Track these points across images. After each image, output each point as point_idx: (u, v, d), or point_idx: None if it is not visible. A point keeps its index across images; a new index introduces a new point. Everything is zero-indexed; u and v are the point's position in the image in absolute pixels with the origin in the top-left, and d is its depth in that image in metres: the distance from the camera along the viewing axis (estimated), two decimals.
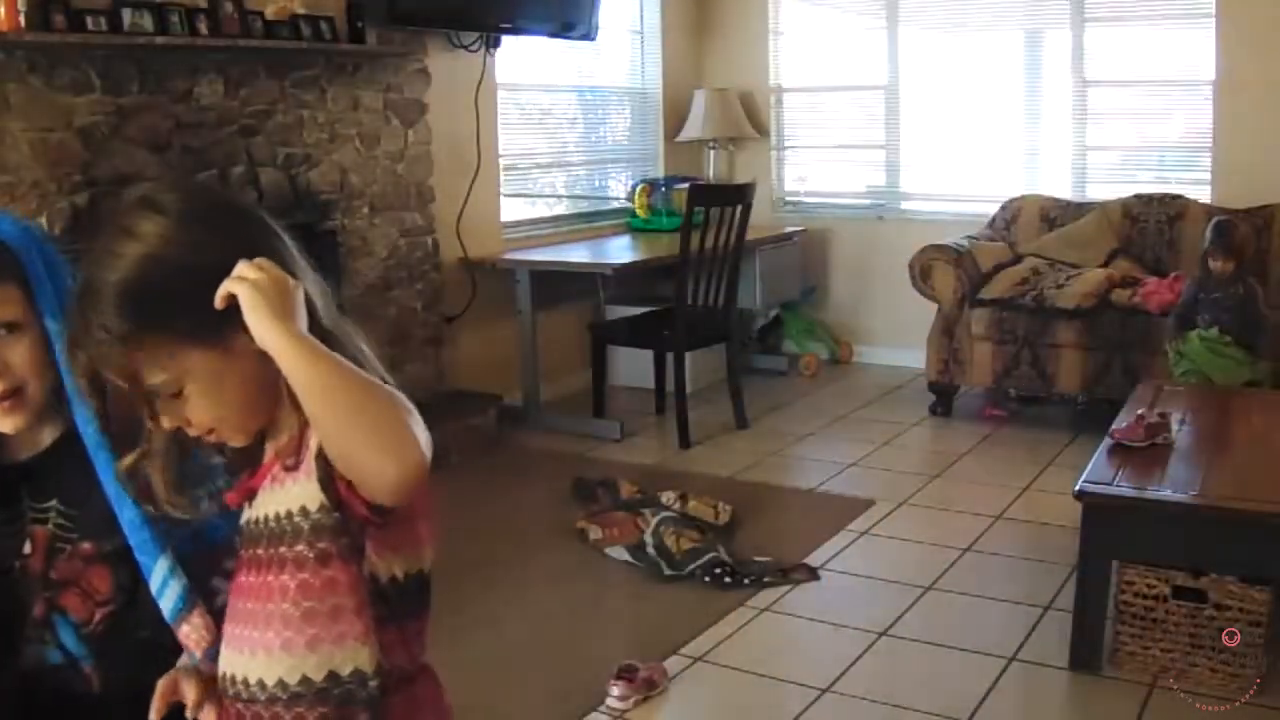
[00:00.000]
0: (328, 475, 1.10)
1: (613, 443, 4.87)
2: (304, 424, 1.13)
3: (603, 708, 2.68)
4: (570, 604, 3.31)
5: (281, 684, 1.16)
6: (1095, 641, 2.81)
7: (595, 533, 3.68)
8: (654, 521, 3.57)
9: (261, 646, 1.16)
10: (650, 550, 3.49)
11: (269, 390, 1.15)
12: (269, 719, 1.17)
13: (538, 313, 5.10)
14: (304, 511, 1.14)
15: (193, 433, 1.16)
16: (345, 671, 1.15)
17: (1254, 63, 5.16)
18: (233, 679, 1.20)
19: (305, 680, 1.15)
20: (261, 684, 1.17)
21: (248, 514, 1.21)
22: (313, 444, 1.12)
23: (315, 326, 1.12)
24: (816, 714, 2.66)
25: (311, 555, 1.14)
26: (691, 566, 3.40)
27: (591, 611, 3.30)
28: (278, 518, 1.16)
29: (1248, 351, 4.12)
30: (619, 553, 3.57)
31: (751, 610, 3.21)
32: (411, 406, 1.10)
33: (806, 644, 3.06)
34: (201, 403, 1.14)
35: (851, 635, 3.05)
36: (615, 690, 2.69)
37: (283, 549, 1.15)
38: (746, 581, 3.35)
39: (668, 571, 3.41)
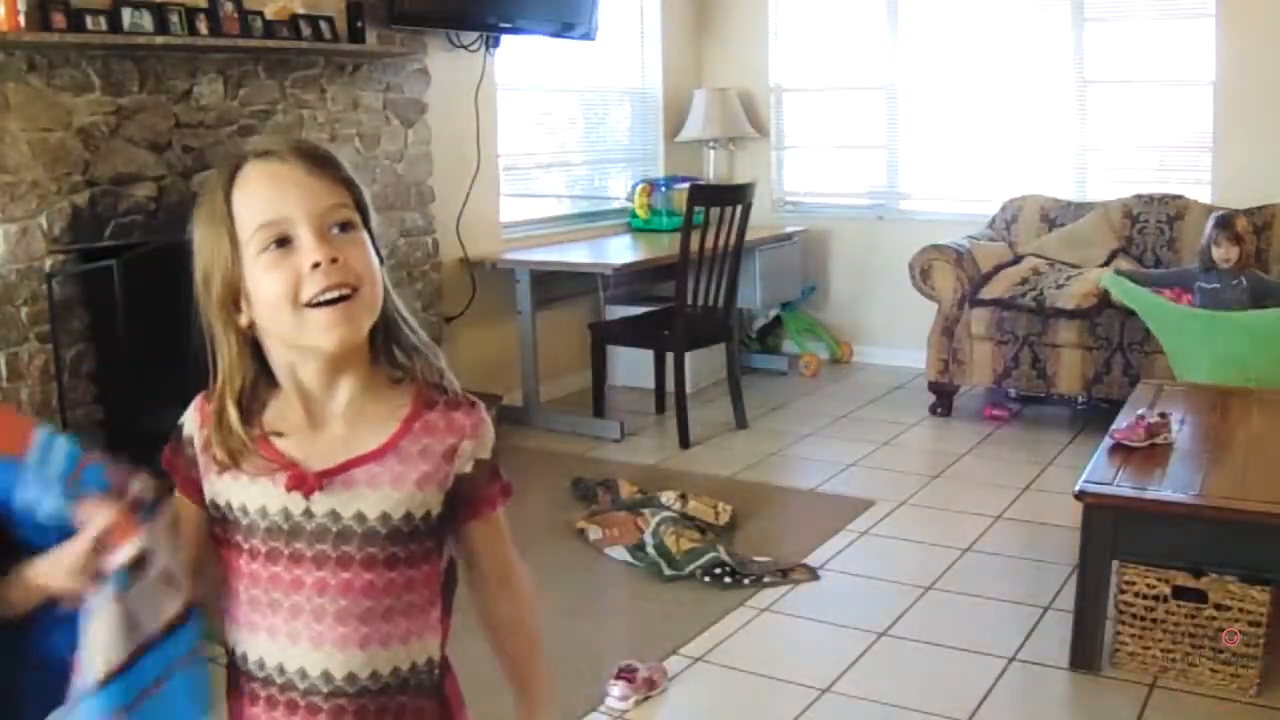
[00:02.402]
0: (460, 499, 1.20)
1: (613, 443, 4.87)
2: (402, 426, 1.18)
3: (603, 708, 2.68)
4: (570, 604, 3.31)
5: (351, 677, 1.16)
6: (1095, 641, 2.81)
7: (595, 533, 3.68)
8: (654, 521, 3.57)
9: (329, 641, 1.15)
10: (650, 550, 3.49)
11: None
12: (328, 710, 1.16)
13: (538, 313, 5.10)
14: (384, 518, 1.16)
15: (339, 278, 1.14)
16: (420, 662, 1.21)
17: (1254, 63, 5.16)
18: (281, 668, 1.16)
19: (374, 675, 1.17)
20: (327, 675, 1.15)
21: (317, 507, 1.15)
22: (459, 464, 1.19)
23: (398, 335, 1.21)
24: (816, 714, 2.66)
25: (421, 553, 1.18)
26: (691, 566, 3.40)
27: (591, 611, 3.30)
28: (359, 517, 1.15)
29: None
30: (619, 553, 3.57)
31: (751, 610, 3.21)
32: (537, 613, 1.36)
33: (806, 644, 3.05)
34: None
35: (851, 635, 3.05)
36: (615, 690, 2.69)
37: (394, 548, 1.16)
38: (746, 581, 3.35)
39: (668, 571, 3.41)
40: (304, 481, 1.15)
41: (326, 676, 1.15)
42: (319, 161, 1.20)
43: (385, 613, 1.16)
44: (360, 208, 1.19)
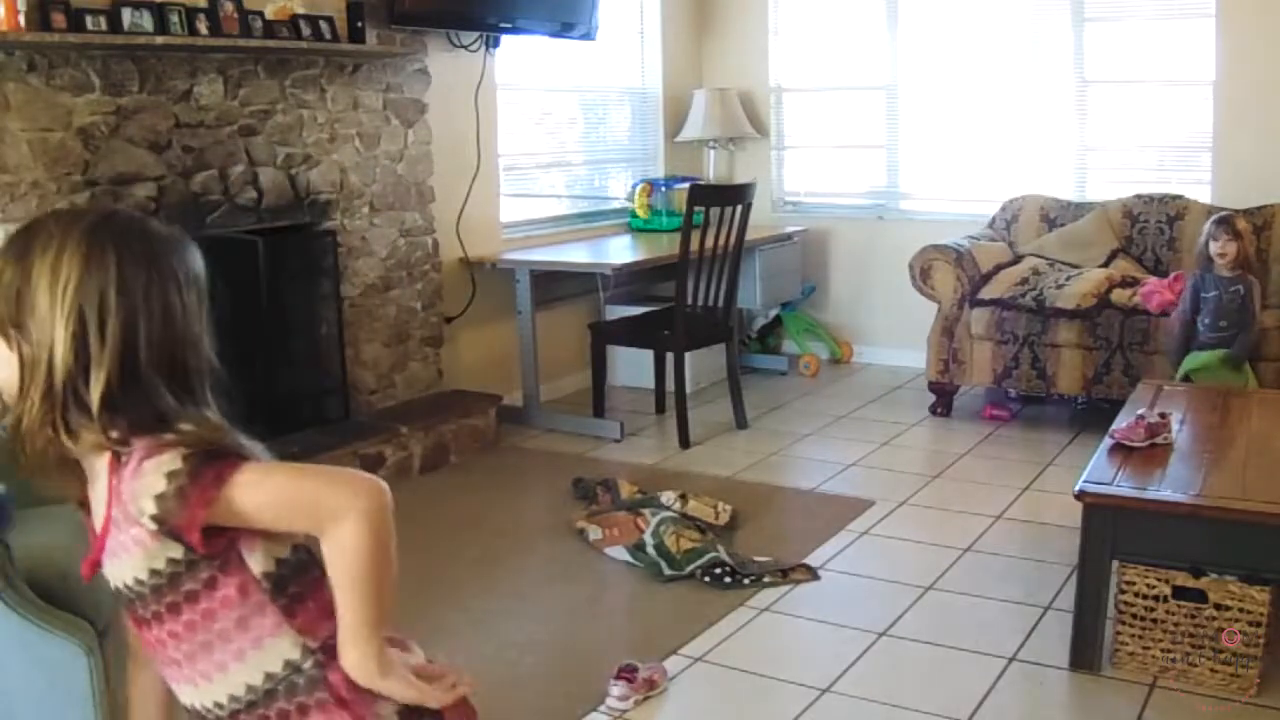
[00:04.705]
0: (175, 535, 1.17)
1: (613, 443, 4.87)
2: (108, 497, 1.19)
3: (603, 708, 2.68)
4: (570, 604, 3.31)
5: (234, 698, 1.24)
6: (1095, 641, 2.80)
7: (595, 533, 3.68)
8: (654, 521, 3.57)
9: (201, 677, 1.24)
10: (650, 550, 3.49)
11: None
12: None
13: (538, 313, 5.10)
14: (155, 573, 1.20)
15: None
16: (277, 668, 1.22)
17: (1254, 63, 5.16)
18: (193, 707, 1.27)
19: (250, 688, 1.23)
20: (218, 704, 1.24)
21: (110, 582, 1.25)
22: (145, 523, 1.16)
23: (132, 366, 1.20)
24: (816, 714, 2.66)
25: (199, 588, 1.20)
26: (691, 566, 3.40)
27: (591, 611, 3.30)
28: (139, 582, 1.21)
29: (1232, 351, 4.15)
30: (619, 553, 3.57)
31: (751, 610, 3.21)
32: (340, 476, 1.22)
33: (806, 644, 3.05)
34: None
35: (851, 635, 3.05)
36: (615, 690, 2.69)
37: (168, 598, 1.21)
38: (746, 581, 3.35)
39: (668, 571, 3.41)
40: (87, 566, 1.25)
41: (217, 705, 1.25)
42: None
43: (203, 647, 1.22)
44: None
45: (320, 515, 1.18)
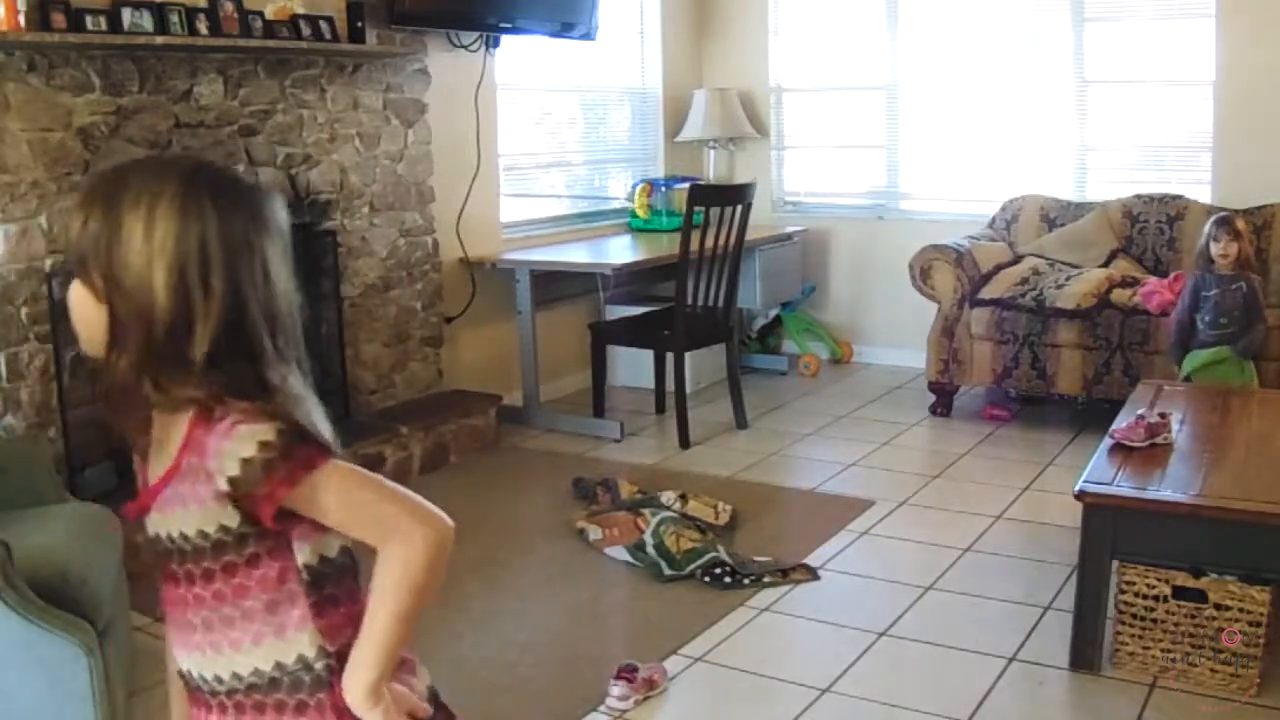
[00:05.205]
0: (242, 505, 1.16)
1: (613, 443, 4.87)
2: (184, 444, 1.17)
3: (603, 708, 2.68)
4: (570, 604, 3.31)
5: (236, 676, 1.22)
6: (1095, 641, 2.81)
7: (595, 533, 3.68)
8: (654, 521, 3.57)
9: (211, 648, 1.22)
10: (650, 550, 3.49)
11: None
12: (232, 706, 1.23)
13: (538, 313, 5.10)
14: (203, 534, 1.18)
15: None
16: (290, 660, 1.21)
17: (1254, 63, 5.16)
18: (189, 674, 1.26)
19: (257, 671, 1.21)
20: (218, 678, 1.23)
21: (150, 528, 1.23)
22: (218, 481, 1.15)
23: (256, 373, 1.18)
24: (816, 714, 2.66)
25: (240, 562, 1.18)
26: (691, 566, 3.40)
27: (591, 611, 3.30)
28: (184, 537, 1.19)
29: (1237, 348, 4.15)
30: (619, 553, 3.57)
31: (751, 610, 3.21)
32: (415, 505, 1.20)
33: (806, 644, 3.05)
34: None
35: (851, 635, 3.05)
36: (615, 690, 2.69)
37: (206, 563, 1.19)
38: (746, 581, 3.35)
39: (668, 571, 3.41)
40: (128, 509, 1.24)
41: (216, 678, 1.23)
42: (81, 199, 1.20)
43: (223, 620, 1.21)
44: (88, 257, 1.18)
45: (387, 529, 1.18)
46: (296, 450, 1.15)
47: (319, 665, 1.21)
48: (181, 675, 1.27)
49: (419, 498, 1.21)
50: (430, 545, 1.18)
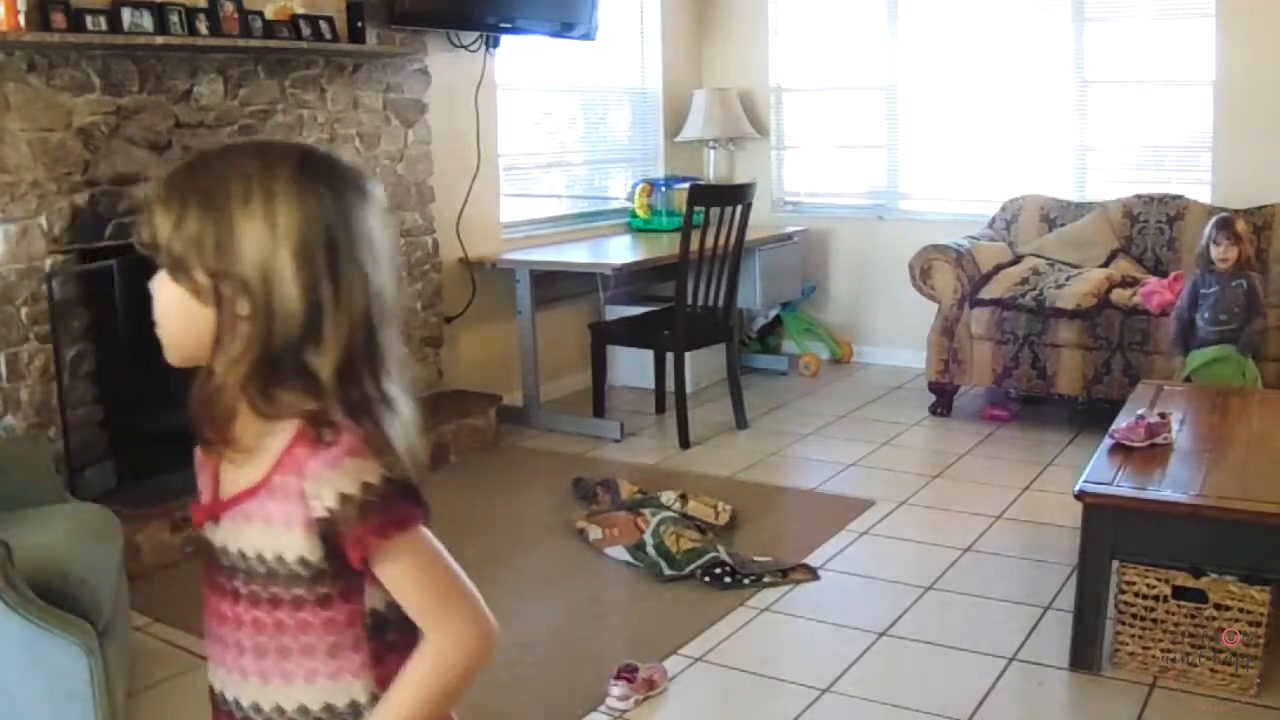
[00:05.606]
0: (338, 542, 1.08)
1: (613, 443, 4.87)
2: (280, 459, 1.09)
3: (603, 708, 2.68)
4: (570, 604, 3.31)
5: (279, 710, 1.15)
6: (1095, 641, 2.80)
7: (595, 533, 3.68)
8: (654, 521, 3.57)
9: (258, 676, 1.15)
10: (650, 550, 3.49)
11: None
12: None
13: (538, 313, 5.10)
14: (280, 559, 1.11)
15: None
16: (341, 704, 1.15)
17: (1254, 63, 5.16)
18: (223, 698, 1.18)
19: (303, 709, 1.14)
20: (257, 707, 1.16)
21: (217, 537, 1.15)
22: (312, 507, 1.07)
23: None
24: (816, 714, 2.66)
25: (310, 599, 1.11)
26: (691, 566, 3.40)
27: (591, 611, 3.30)
28: (259, 558, 1.12)
29: (1238, 344, 4.14)
30: (619, 553, 3.57)
31: (751, 610, 3.21)
32: (472, 597, 1.14)
33: (806, 644, 3.05)
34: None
35: (851, 635, 3.05)
36: (615, 690, 2.69)
37: (275, 589, 1.12)
38: (746, 581, 3.35)
39: (668, 571, 3.41)
40: (198, 512, 1.16)
41: (254, 707, 1.16)
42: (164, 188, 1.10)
43: (279, 650, 1.13)
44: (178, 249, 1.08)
45: (438, 615, 1.12)
46: (396, 504, 1.08)
47: (367, 712, 1.15)
48: (212, 693, 1.20)
49: (478, 595, 1.15)
50: (474, 646, 1.13)
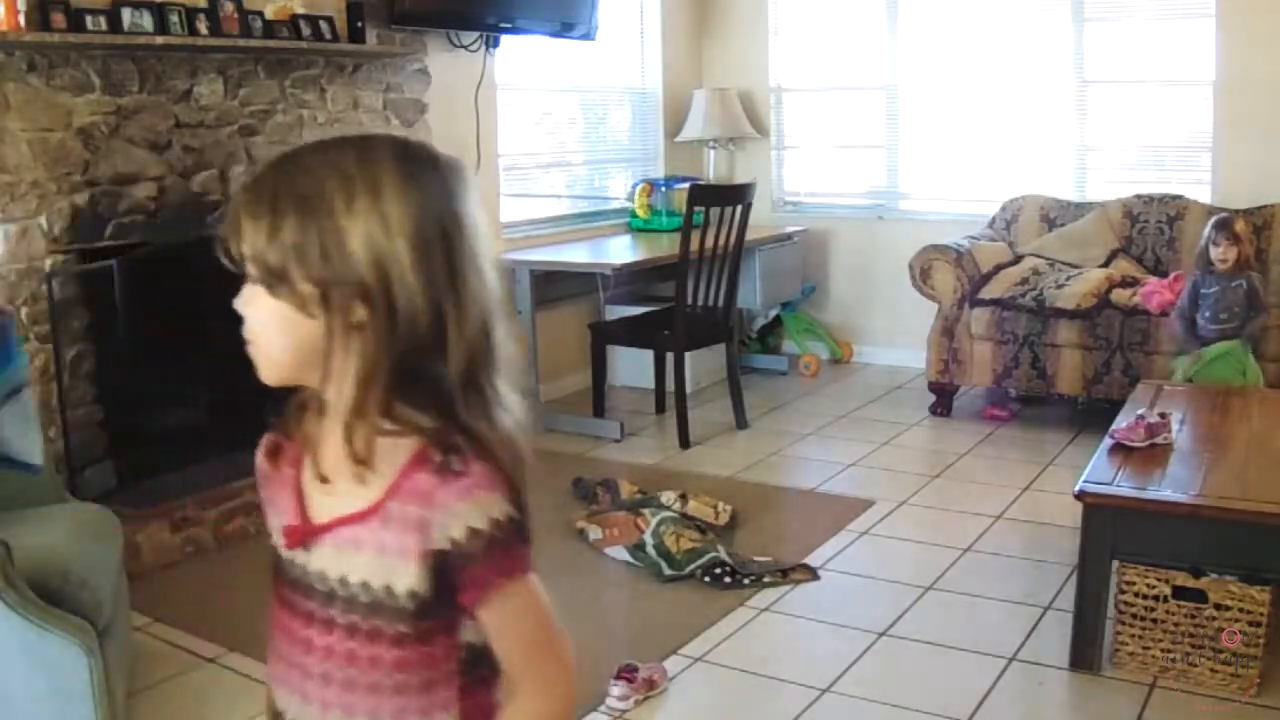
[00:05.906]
0: (454, 577, 1.02)
1: (613, 443, 4.87)
2: (396, 484, 1.02)
3: (603, 708, 2.68)
4: (570, 604, 3.29)
5: None
6: (1095, 641, 2.80)
7: (595, 533, 3.68)
8: (654, 521, 3.57)
9: (341, 709, 1.07)
10: (650, 550, 3.49)
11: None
12: None
13: (538, 313, 5.10)
14: (389, 591, 1.03)
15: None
16: None
17: (1254, 63, 5.16)
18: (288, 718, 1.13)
19: None
20: None
21: (311, 561, 1.07)
22: (434, 539, 1.00)
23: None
24: (816, 714, 2.66)
25: (412, 634, 1.05)
26: (691, 566, 3.40)
27: (591, 611, 3.30)
28: (364, 586, 1.04)
29: (1240, 341, 4.14)
30: (619, 553, 3.57)
31: (751, 610, 3.21)
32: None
33: (806, 644, 3.05)
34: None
35: (851, 635, 3.05)
36: (615, 690, 2.69)
37: (377, 622, 1.05)
38: (746, 581, 3.35)
39: (668, 571, 3.41)
40: (293, 533, 1.08)
41: None
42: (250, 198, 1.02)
43: (370, 686, 1.06)
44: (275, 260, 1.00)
45: (530, 673, 1.09)
46: (518, 548, 1.04)
47: None
48: (279, 717, 1.12)
49: (569, 647, 1.13)
50: (562, 711, 1.11)
